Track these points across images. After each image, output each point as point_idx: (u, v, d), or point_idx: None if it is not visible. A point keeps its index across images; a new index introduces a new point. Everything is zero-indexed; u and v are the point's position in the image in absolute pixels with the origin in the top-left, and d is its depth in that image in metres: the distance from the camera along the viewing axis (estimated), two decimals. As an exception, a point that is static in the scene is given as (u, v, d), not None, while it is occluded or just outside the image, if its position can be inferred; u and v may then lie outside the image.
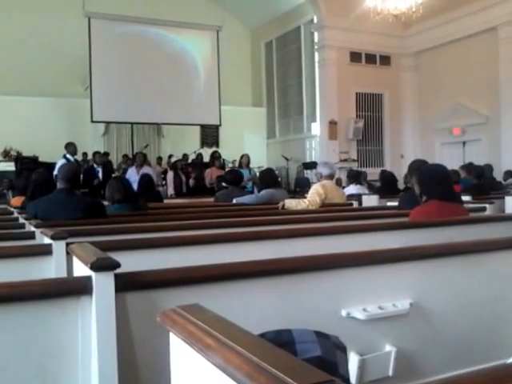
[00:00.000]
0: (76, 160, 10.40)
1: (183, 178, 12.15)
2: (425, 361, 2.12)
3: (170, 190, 11.74)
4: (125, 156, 14.57)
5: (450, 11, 13.49)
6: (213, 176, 11.34)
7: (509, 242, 2.48)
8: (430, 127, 15.06)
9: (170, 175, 12.05)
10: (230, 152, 15.16)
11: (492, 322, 2.31)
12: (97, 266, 1.62)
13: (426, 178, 3.64)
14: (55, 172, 6.63)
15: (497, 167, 10.81)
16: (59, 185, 4.00)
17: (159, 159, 15.20)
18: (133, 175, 9.59)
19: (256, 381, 0.84)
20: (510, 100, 12.80)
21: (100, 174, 10.78)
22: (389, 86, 15.66)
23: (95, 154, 11.91)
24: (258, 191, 7.96)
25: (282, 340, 1.23)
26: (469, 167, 9.07)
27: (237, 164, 12.17)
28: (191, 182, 12.16)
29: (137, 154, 11.27)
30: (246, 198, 6.18)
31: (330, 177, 5.93)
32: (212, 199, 7.42)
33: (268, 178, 6.53)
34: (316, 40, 15.42)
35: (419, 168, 4.20)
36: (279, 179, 10.00)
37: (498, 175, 10.53)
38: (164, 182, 12.20)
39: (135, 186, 7.07)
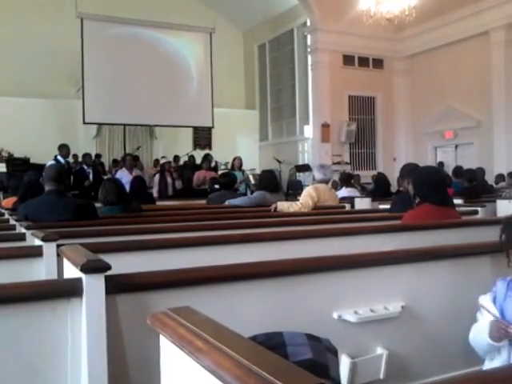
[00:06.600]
0: (67, 162, 10.35)
1: (169, 180, 12.03)
2: (416, 364, 2.12)
3: (154, 193, 11.61)
4: (115, 161, 14.44)
5: (443, 15, 13.57)
6: (200, 178, 11.29)
7: (500, 246, 2.48)
8: (423, 130, 15.12)
9: (156, 177, 11.97)
10: (222, 154, 15.16)
11: (483, 325, 2.30)
12: (87, 268, 1.61)
13: (421, 180, 3.64)
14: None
15: (489, 170, 10.84)
16: (47, 186, 3.97)
17: (156, 161, 15.04)
18: (124, 177, 9.49)
19: (246, 384, 0.83)
20: (502, 104, 12.88)
21: (90, 176, 10.72)
22: (381, 89, 15.72)
23: (85, 155, 11.85)
24: (251, 193, 7.89)
25: (273, 343, 1.22)
26: (457, 171, 9.10)
27: (229, 166, 12.15)
28: (178, 184, 12.06)
29: (126, 157, 11.17)
30: (238, 200, 6.17)
31: (323, 182, 5.90)
32: (200, 201, 7.36)
33: (267, 181, 6.29)
34: (309, 43, 15.46)
35: (411, 171, 4.21)
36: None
37: (490, 178, 10.57)
38: (152, 184, 12.12)
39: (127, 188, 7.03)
